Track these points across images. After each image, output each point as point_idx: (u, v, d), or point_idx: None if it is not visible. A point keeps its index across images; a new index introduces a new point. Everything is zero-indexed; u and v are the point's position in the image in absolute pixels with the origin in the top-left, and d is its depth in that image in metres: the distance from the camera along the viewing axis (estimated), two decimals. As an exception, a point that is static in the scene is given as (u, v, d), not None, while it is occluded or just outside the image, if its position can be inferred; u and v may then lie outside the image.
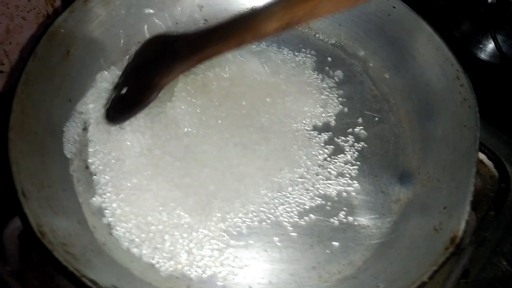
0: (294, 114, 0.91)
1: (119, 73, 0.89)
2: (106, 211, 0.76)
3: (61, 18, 0.83)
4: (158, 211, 0.77)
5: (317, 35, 1.02)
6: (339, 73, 0.97)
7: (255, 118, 0.89)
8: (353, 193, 0.84)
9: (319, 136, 0.89)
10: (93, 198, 0.77)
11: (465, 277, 0.81)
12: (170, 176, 0.80)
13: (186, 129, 0.85)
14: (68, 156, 0.80)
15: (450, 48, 0.88)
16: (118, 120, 0.84)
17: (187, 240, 0.75)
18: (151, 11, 0.95)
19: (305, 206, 0.82)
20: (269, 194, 0.81)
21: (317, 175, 0.85)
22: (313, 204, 0.82)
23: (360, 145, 0.89)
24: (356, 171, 0.86)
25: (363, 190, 0.84)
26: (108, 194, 0.78)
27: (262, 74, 0.94)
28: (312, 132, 0.89)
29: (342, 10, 0.92)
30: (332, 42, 1.01)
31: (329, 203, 0.82)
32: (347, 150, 0.88)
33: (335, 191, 0.84)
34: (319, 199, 0.82)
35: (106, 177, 0.79)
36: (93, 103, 0.86)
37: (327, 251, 0.78)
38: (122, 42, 0.93)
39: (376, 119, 0.93)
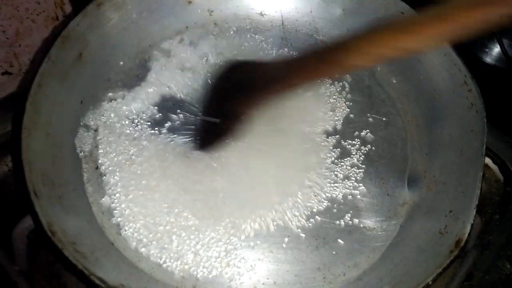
0: (308, 118, 0.92)
1: (130, 75, 0.91)
2: (115, 211, 0.78)
3: (75, 22, 0.84)
4: (166, 213, 0.78)
5: (325, 40, 1.02)
6: (347, 77, 0.98)
7: (275, 122, 0.89)
8: (359, 196, 0.84)
9: (328, 140, 0.90)
10: (103, 199, 0.79)
11: (469, 280, 0.82)
12: (180, 180, 0.81)
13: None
14: (79, 156, 0.81)
15: (456, 52, 0.89)
16: (209, 149, 0.84)
17: (194, 242, 0.76)
18: (162, 15, 0.97)
19: (313, 210, 0.82)
20: (280, 200, 0.82)
21: (325, 178, 0.85)
22: (320, 207, 0.83)
23: (367, 149, 0.89)
24: (363, 174, 0.87)
25: (369, 192, 0.85)
26: (118, 195, 0.79)
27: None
28: (321, 136, 0.90)
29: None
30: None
31: (335, 206, 0.83)
32: (354, 153, 0.89)
33: (341, 194, 0.84)
34: (326, 201, 0.83)
35: (116, 177, 0.80)
36: (105, 105, 0.87)
37: (333, 252, 0.79)
38: (133, 45, 0.94)
39: (383, 123, 0.93)
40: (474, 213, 0.73)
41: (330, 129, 0.91)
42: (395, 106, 0.95)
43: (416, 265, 0.74)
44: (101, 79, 0.89)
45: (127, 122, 0.86)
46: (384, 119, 0.94)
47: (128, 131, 0.85)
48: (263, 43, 1.00)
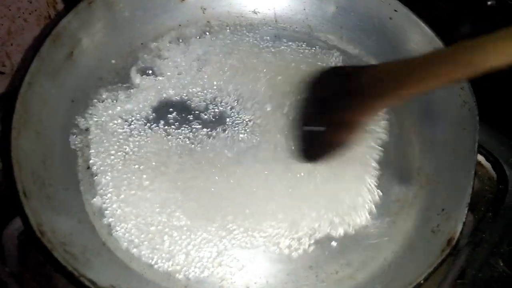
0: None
1: (122, 74, 0.91)
2: (107, 211, 0.77)
3: (65, 20, 0.84)
4: (157, 213, 0.78)
5: (318, 37, 1.02)
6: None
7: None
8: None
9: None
10: (94, 199, 0.78)
11: (461, 278, 0.82)
12: (173, 179, 0.81)
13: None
14: (70, 156, 0.81)
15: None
16: (316, 159, 0.83)
17: (186, 242, 0.76)
18: (155, 13, 0.96)
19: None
20: (274, 208, 0.81)
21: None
22: (313, 204, 0.83)
23: (361, 146, 0.89)
24: (356, 171, 0.87)
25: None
26: (109, 195, 0.79)
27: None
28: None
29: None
30: (334, 44, 1.01)
31: (328, 203, 0.83)
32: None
33: (335, 191, 0.84)
34: (319, 199, 0.83)
35: (108, 177, 0.80)
36: (97, 104, 0.87)
37: (325, 251, 0.79)
38: (125, 43, 0.94)
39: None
40: (466, 211, 0.73)
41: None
42: (389, 104, 0.95)
43: (408, 264, 0.74)
44: (92, 78, 0.88)
45: (119, 121, 0.86)
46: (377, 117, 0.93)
47: (120, 130, 0.85)
48: (257, 40, 0.99)
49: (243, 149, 0.85)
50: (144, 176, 0.81)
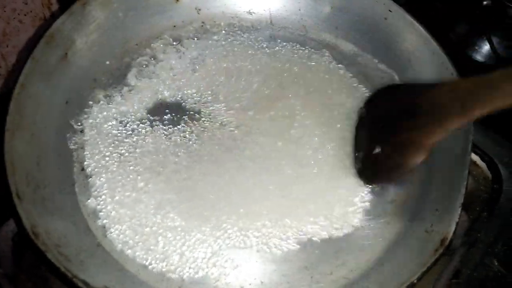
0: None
1: (116, 75, 0.91)
2: (101, 213, 0.77)
3: (59, 21, 0.84)
4: (152, 214, 0.78)
5: (312, 37, 1.02)
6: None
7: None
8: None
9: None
10: (89, 200, 0.78)
11: (456, 278, 0.82)
12: (168, 181, 0.81)
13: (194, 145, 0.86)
14: (65, 157, 0.81)
15: (446, 50, 0.89)
16: (378, 182, 0.83)
17: (180, 243, 0.76)
18: (149, 14, 0.96)
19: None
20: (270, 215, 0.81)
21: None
22: (307, 205, 0.83)
23: (355, 147, 0.89)
24: (350, 172, 0.87)
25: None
26: (104, 196, 0.78)
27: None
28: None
29: None
30: (329, 44, 1.01)
31: (323, 204, 0.83)
32: (342, 152, 0.89)
33: (330, 192, 0.84)
34: (314, 199, 0.83)
35: (102, 179, 0.80)
36: (91, 105, 0.86)
37: (320, 252, 0.79)
38: (120, 44, 0.94)
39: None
40: (459, 211, 0.73)
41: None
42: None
43: (402, 264, 0.74)
44: (87, 79, 0.88)
45: (114, 122, 0.86)
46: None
47: (115, 131, 0.85)
48: (251, 41, 0.99)
49: (238, 150, 0.85)
50: (139, 177, 0.81)
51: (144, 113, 0.87)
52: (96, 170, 0.81)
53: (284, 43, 0.99)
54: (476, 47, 1.17)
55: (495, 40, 1.12)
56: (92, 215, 0.77)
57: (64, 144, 0.82)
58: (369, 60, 0.99)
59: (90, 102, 0.87)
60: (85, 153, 0.82)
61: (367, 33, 0.99)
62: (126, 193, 0.79)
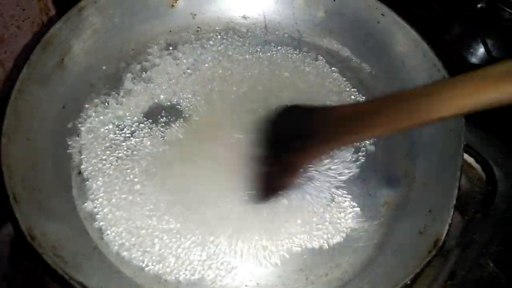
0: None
1: (113, 80, 0.91)
2: (98, 215, 0.78)
3: (56, 27, 0.85)
4: (148, 216, 0.78)
5: (306, 41, 1.02)
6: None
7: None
8: (341, 197, 0.85)
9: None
10: (85, 203, 0.79)
11: (451, 279, 0.82)
12: (163, 183, 0.82)
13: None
14: (62, 161, 0.81)
15: (441, 52, 0.90)
16: (264, 199, 0.82)
17: (176, 245, 0.76)
18: (145, 19, 0.97)
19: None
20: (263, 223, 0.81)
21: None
22: (302, 208, 0.83)
23: (349, 149, 0.90)
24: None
25: (351, 193, 0.85)
26: (100, 200, 0.79)
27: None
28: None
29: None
30: (323, 48, 1.02)
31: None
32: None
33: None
34: (308, 202, 0.84)
35: (99, 182, 0.81)
36: (88, 110, 0.87)
37: (315, 254, 0.79)
38: (116, 50, 0.94)
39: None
40: (452, 212, 0.73)
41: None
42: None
43: (396, 266, 0.74)
44: (83, 84, 0.89)
45: (110, 126, 0.86)
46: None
47: (112, 135, 0.86)
48: (246, 46, 1.00)
49: (233, 154, 0.86)
50: (135, 180, 0.81)
51: (141, 117, 0.88)
52: (93, 173, 0.81)
53: (279, 47, 1.00)
54: (471, 49, 1.18)
55: (489, 42, 1.13)
56: (88, 218, 0.78)
57: (61, 148, 0.82)
58: (362, 64, 1.00)
59: (87, 106, 0.87)
60: (82, 156, 0.83)
61: (361, 36, 1.00)
62: (123, 195, 0.80)
